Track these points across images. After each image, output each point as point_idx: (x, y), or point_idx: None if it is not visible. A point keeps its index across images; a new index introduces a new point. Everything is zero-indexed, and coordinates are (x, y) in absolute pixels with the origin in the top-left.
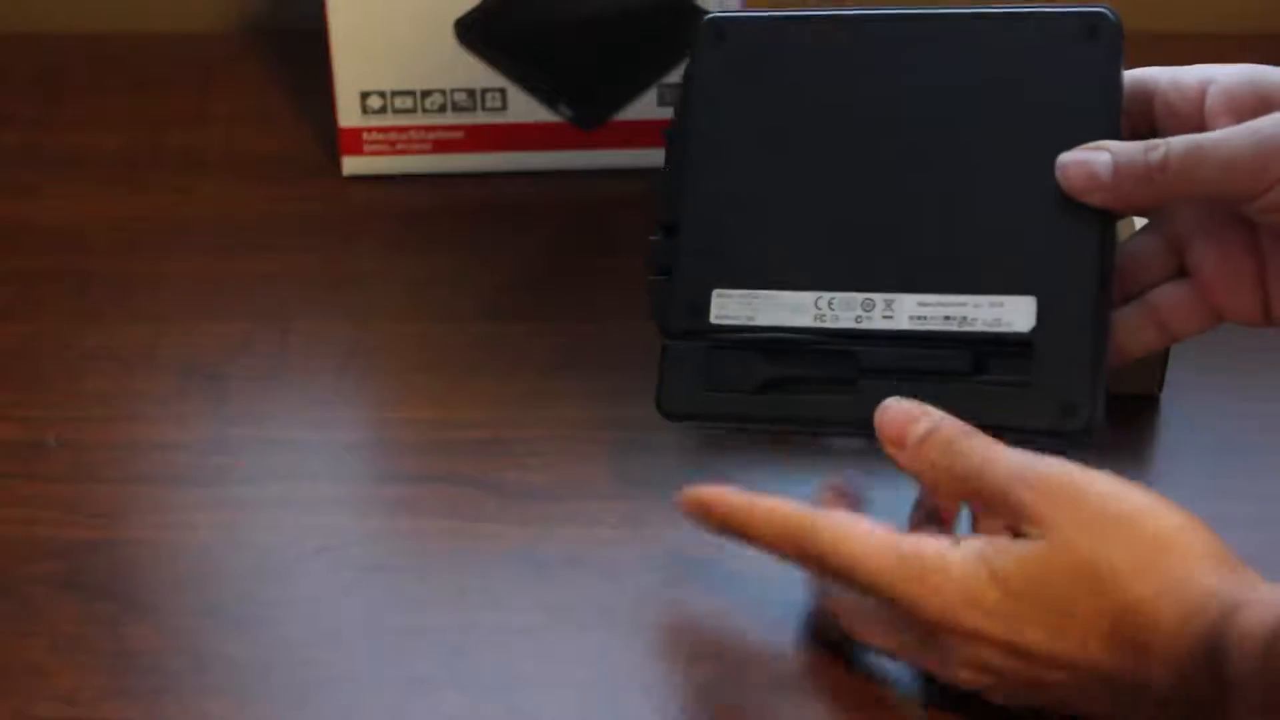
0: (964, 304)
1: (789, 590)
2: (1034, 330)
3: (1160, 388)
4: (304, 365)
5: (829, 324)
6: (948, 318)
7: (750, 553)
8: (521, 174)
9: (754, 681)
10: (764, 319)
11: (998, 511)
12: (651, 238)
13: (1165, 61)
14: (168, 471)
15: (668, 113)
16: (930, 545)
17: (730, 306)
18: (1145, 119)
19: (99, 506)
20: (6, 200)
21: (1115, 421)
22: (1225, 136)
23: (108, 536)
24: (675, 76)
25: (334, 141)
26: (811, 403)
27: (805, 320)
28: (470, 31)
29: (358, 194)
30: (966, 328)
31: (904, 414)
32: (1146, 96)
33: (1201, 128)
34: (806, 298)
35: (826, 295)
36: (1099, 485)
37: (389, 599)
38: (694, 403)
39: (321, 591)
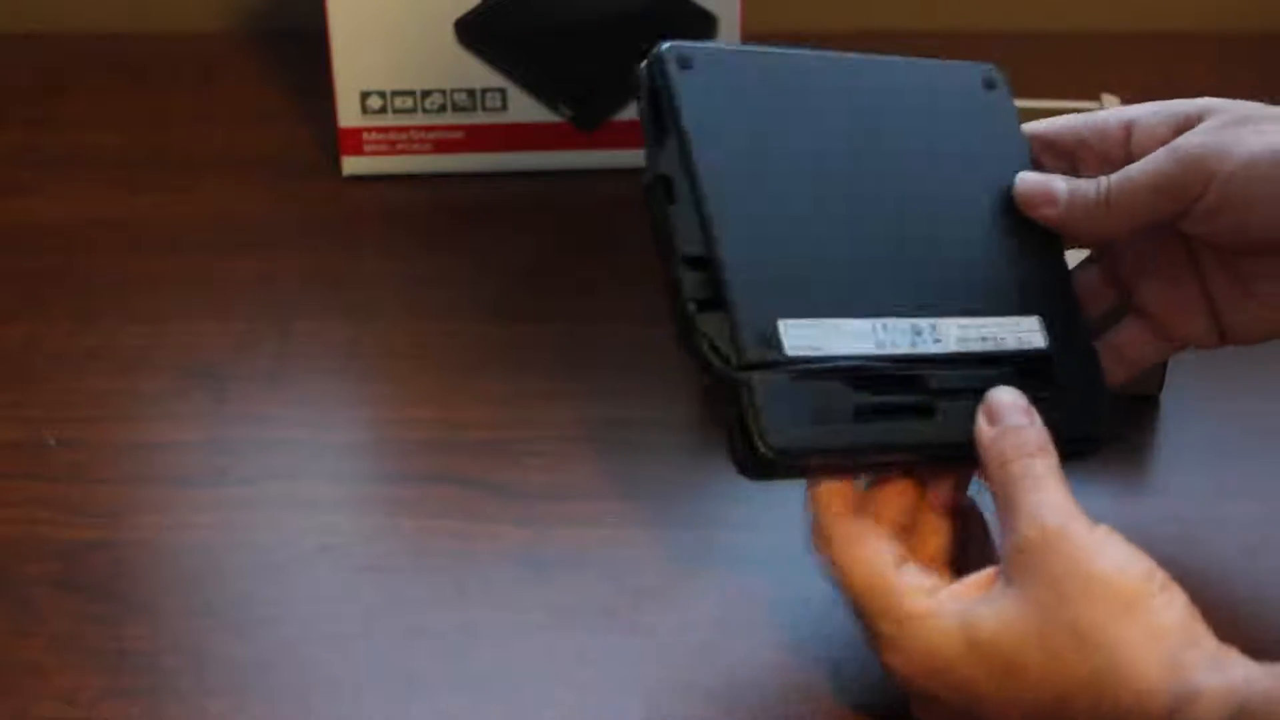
0: (989, 325)
1: (790, 590)
2: (1049, 346)
3: (1160, 388)
4: (304, 365)
5: (890, 350)
6: (984, 339)
7: (750, 552)
8: (521, 174)
9: (754, 681)
10: (833, 348)
11: (1004, 526)
12: (677, 274)
13: (1166, 61)
14: (168, 471)
15: None
16: (915, 594)
17: (801, 336)
18: (1070, 168)
19: (99, 506)
20: (6, 200)
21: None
22: (1148, 160)
23: (108, 536)
24: None
25: (334, 141)
26: (905, 429)
27: (869, 347)
28: (470, 31)
29: (358, 194)
30: (1002, 347)
31: (1012, 403)
32: (1070, 145)
33: None
34: (864, 325)
35: (880, 321)
36: (1086, 539)
37: (389, 599)
38: (801, 438)
39: (321, 591)
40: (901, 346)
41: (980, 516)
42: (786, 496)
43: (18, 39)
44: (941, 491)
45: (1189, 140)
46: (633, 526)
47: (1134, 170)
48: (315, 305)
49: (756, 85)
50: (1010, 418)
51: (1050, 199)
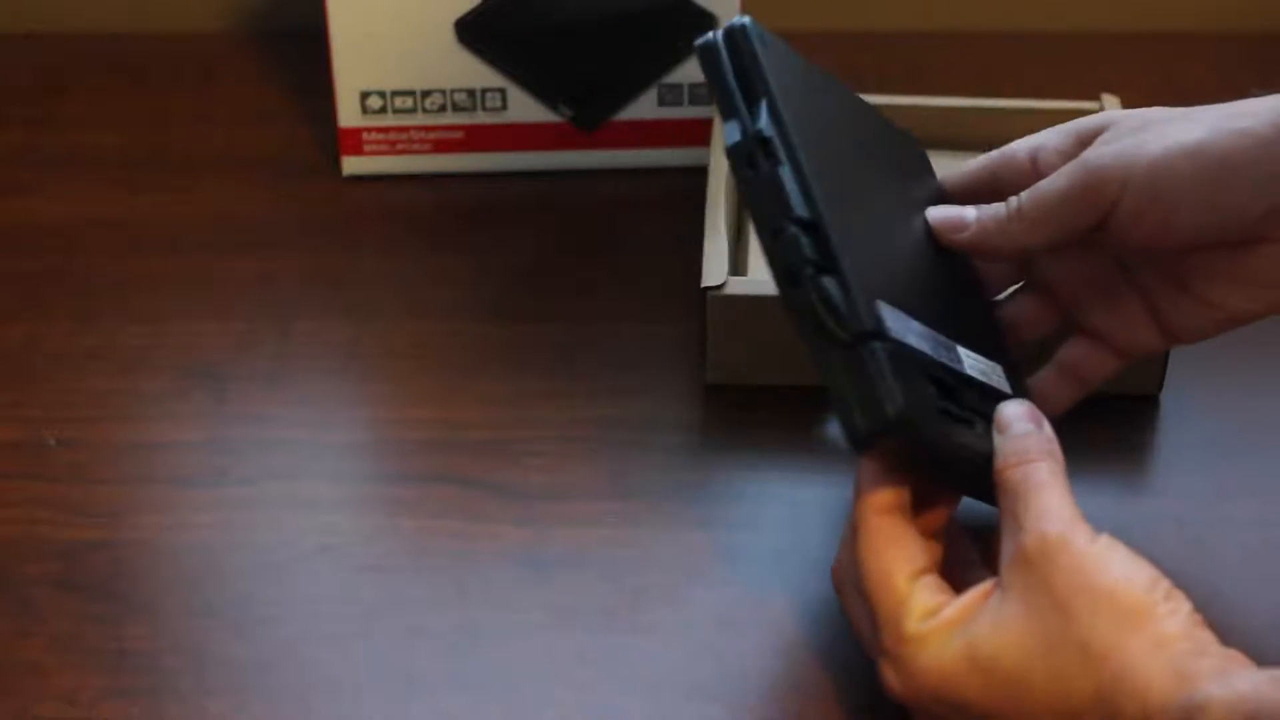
0: (981, 361)
1: (790, 590)
2: (1014, 392)
3: (1160, 388)
4: (304, 365)
5: (940, 359)
6: (982, 373)
7: (750, 552)
8: (521, 174)
9: (755, 681)
10: (911, 341)
11: (1005, 534)
12: (791, 235)
13: (1166, 61)
14: (168, 471)
15: (668, 112)
16: (918, 616)
17: (891, 319)
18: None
19: (99, 506)
20: (6, 200)
21: (1115, 421)
22: (1056, 175)
23: (108, 536)
24: (675, 76)
25: (334, 141)
26: (967, 435)
27: (928, 349)
28: (470, 31)
29: (358, 194)
30: (990, 380)
31: (1016, 413)
32: (984, 184)
33: None
34: (922, 328)
35: (928, 329)
36: (1088, 549)
37: (389, 599)
38: (922, 408)
39: (321, 591)
40: (942, 358)
41: (966, 541)
42: (786, 496)
43: (18, 39)
44: (931, 514)
45: (1093, 153)
46: (633, 526)
47: (1043, 184)
48: (315, 305)
49: (803, 82)
50: (1015, 426)
51: (961, 224)
